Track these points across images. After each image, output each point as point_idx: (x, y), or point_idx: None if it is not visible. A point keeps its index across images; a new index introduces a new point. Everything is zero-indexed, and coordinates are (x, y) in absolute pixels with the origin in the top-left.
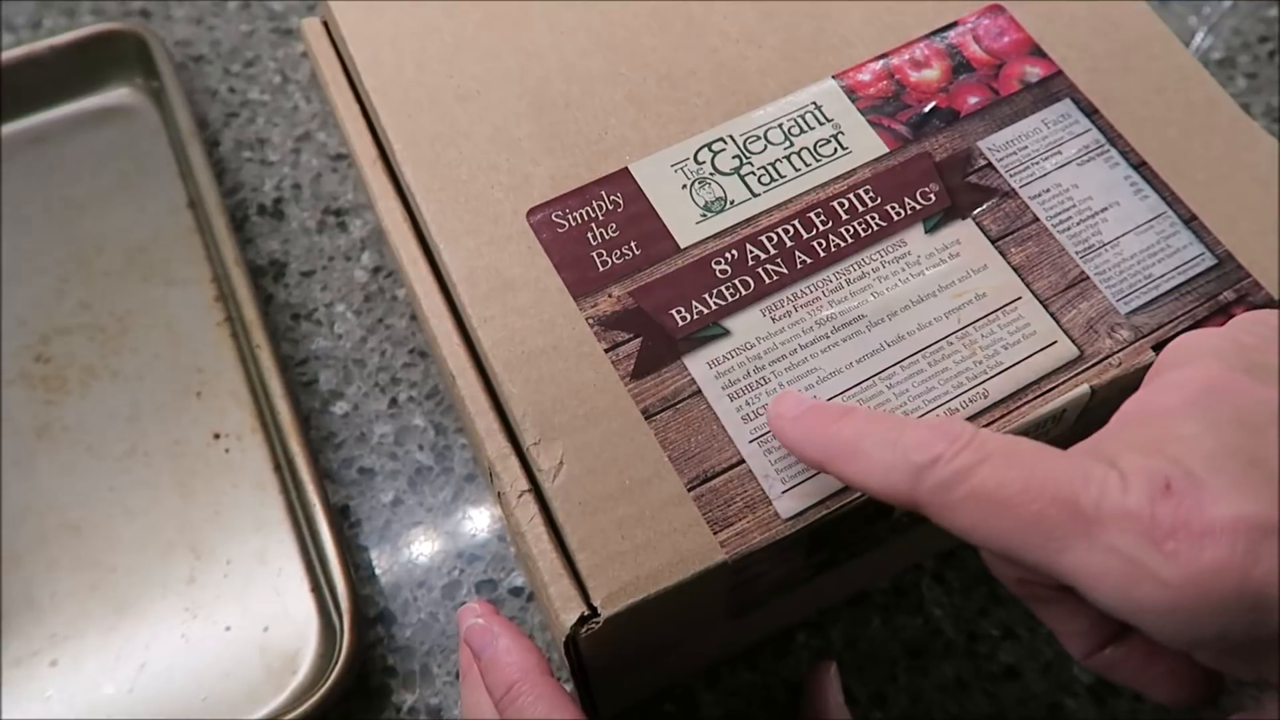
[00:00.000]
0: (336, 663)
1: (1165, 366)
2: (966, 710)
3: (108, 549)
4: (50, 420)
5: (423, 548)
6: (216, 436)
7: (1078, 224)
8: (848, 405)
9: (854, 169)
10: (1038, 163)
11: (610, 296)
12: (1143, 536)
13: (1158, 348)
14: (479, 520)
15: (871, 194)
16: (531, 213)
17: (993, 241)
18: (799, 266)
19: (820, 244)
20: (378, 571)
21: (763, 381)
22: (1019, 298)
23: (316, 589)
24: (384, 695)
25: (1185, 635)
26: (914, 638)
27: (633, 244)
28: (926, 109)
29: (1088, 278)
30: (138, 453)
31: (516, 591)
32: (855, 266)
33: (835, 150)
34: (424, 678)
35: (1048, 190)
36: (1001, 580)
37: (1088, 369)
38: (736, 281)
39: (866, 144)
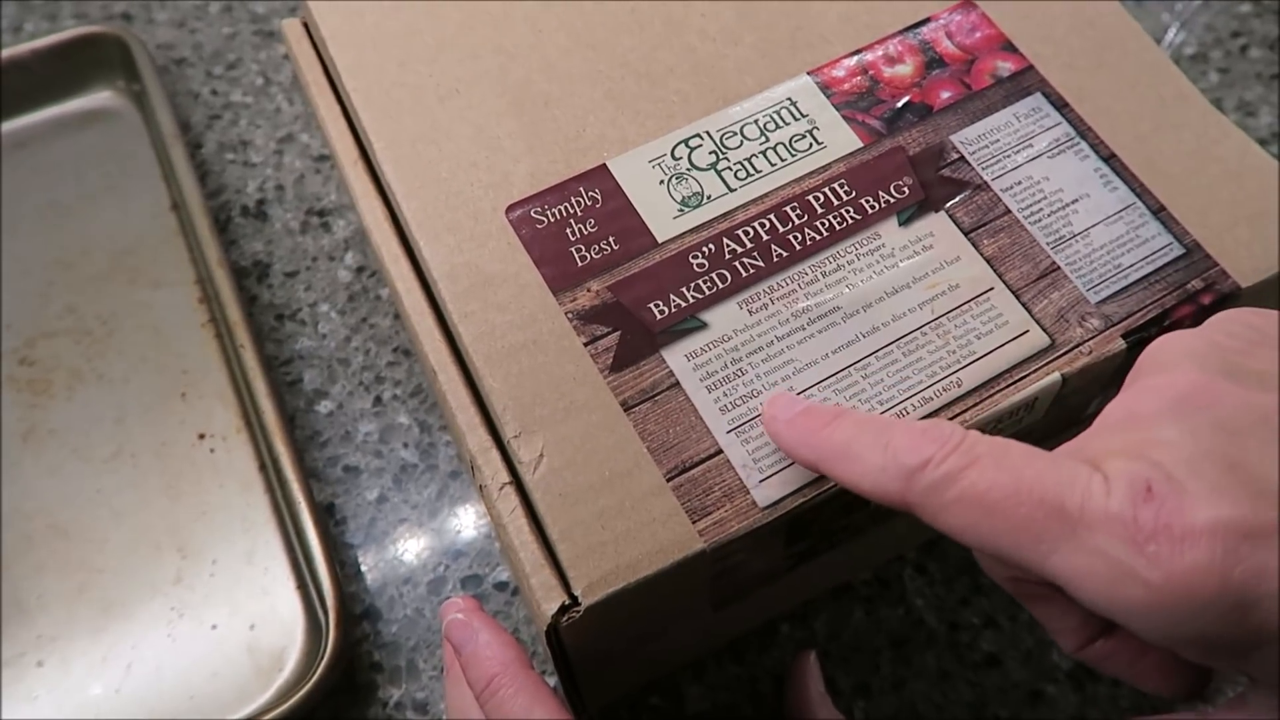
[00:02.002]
0: (322, 659)
1: (1144, 370)
2: (949, 699)
3: (94, 550)
4: (36, 423)
5: (408, 544)
6: (202, 437)
7: (1048, 215)
8: (838, 408)
9: (829, 164)
10: (1009, 156)
11: (589, 291)
12: (1125, 539)
13: (1128, 336)
14: (464, 516)
15: (846, 188)
16: (511, 209)
17: (965, 233)
18: (775, 260)
19: (796, 238)
20: (363, 569)
21: (740, 373)
22: (991, 288)
23: (302, 587)
24: (370, 691)
25: (1169, 633)
26: (897, 628)
27: (611, 239)
28: (900, 104)
29: (1058, 268)
30: (124, 454)
31: (501, 586)
32: (830, 259)
33: (810, 145)
34: (410, 673)
35: (1019, 183)
36: (993, 577)
37: (1059, 357)
38: (714, 275)
39: (841, 139)
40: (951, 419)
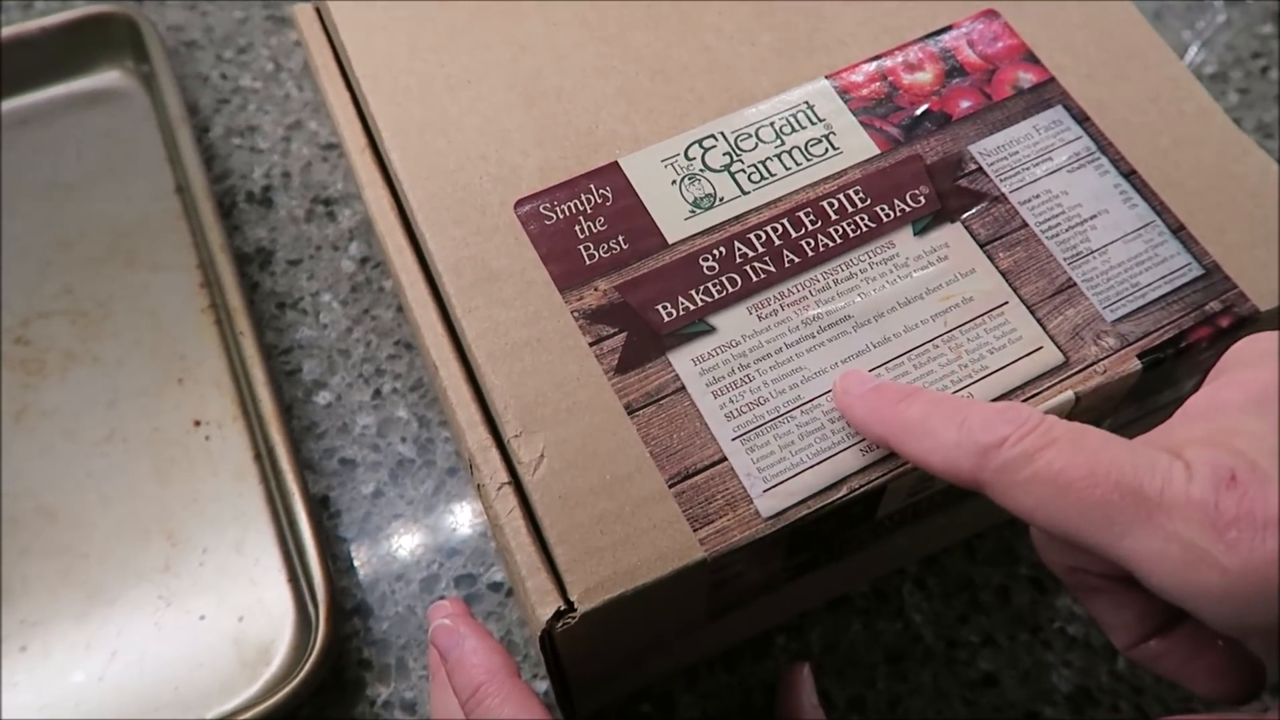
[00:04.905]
0: (310, 654)
1: (1228, 366)
2: (944, 717)
3: (82, 535)
4: (28, 404)
5: (402, 540)
6: (197, 424)
7: (1066, 230)
8: (911, 386)
9: (844, 169)
10: (1028, 168)
11: (596, 290)
12: (1205, 525)
13: (1143, 356)
14: (460, 514)
15: (861, 195)
16: (519, 204)
17: (981, 246)
18: (787, 265)
19: (809, 243)
20: (356, 564)
21: (747, 380)
22: (1006, 302)
23: (293, 580)
24: (358, 689)
25: (1241, 622)
26: (893, 643)
27: (620, 238)
28: (918, 112)
29: (1075, 284)
30: (116, 438)
31: (496, 586)
32: (843, 267)
33: (826, 150)
34: (399, 671)
35: (1037, 196)
36: (1051, 568)
37: (1072, 375)
38: (724, 279)
39: (858, 145)
40: None
